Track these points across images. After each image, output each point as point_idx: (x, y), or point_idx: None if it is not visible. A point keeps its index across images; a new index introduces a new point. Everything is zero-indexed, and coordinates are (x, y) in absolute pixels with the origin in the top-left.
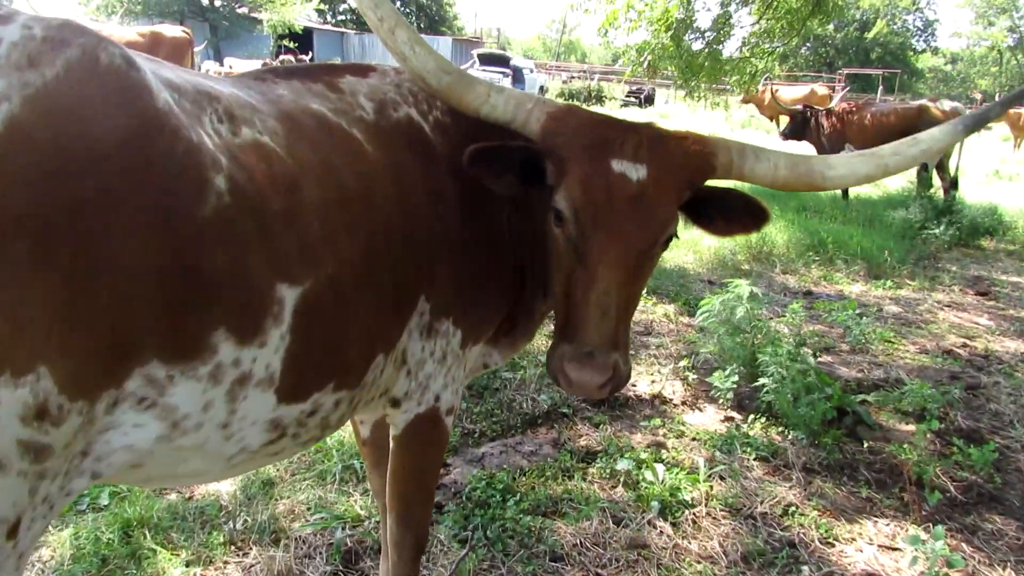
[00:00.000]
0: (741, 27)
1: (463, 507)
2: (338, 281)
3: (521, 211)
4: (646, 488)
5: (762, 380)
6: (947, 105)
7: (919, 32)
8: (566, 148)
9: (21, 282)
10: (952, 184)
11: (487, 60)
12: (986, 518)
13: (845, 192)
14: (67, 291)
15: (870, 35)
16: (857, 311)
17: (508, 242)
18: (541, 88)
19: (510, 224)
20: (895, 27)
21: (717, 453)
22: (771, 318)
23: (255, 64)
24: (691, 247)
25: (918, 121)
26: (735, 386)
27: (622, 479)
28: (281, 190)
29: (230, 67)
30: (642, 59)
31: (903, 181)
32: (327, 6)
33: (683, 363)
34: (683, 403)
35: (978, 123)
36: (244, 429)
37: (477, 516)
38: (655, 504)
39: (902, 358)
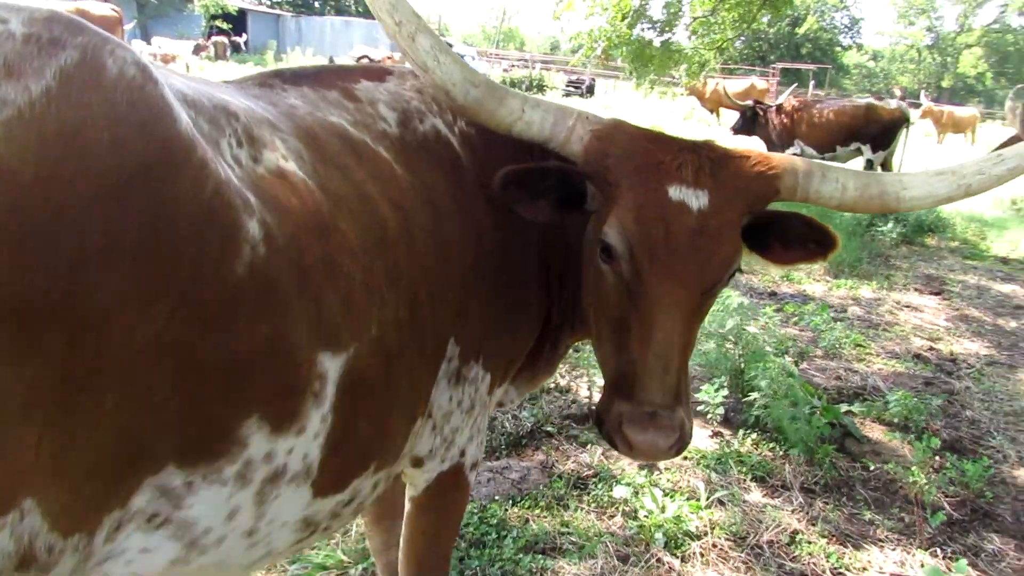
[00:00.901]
0: (692, 17)
1: (456, 547)
2: (383, 341)
3: (549, 234)
4: (646, 517)
5: (753, 395)
6: (892, 104)
7: (846, 29)
8: (616, 172)
9: None
10: None
11: None
12: (985, 537)
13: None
14: (60, 391)
15: (801, 31)
16: (846, 317)
17: (537, 269)
18: None
19: (538, 249)
20: (824, 24)
21: (713, 474)
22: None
23: (186, 45)
24: None
25: (865, 119)
26: (724, 400)
27: (620, 507)
28: (317, 233)
29: (159, 47)
30: (595, 45)
31: None
32: None
33: None
34: None
35: None
36: (272, 533)
37: (474, 558)
38: (659, 537)
39: (875, 363)
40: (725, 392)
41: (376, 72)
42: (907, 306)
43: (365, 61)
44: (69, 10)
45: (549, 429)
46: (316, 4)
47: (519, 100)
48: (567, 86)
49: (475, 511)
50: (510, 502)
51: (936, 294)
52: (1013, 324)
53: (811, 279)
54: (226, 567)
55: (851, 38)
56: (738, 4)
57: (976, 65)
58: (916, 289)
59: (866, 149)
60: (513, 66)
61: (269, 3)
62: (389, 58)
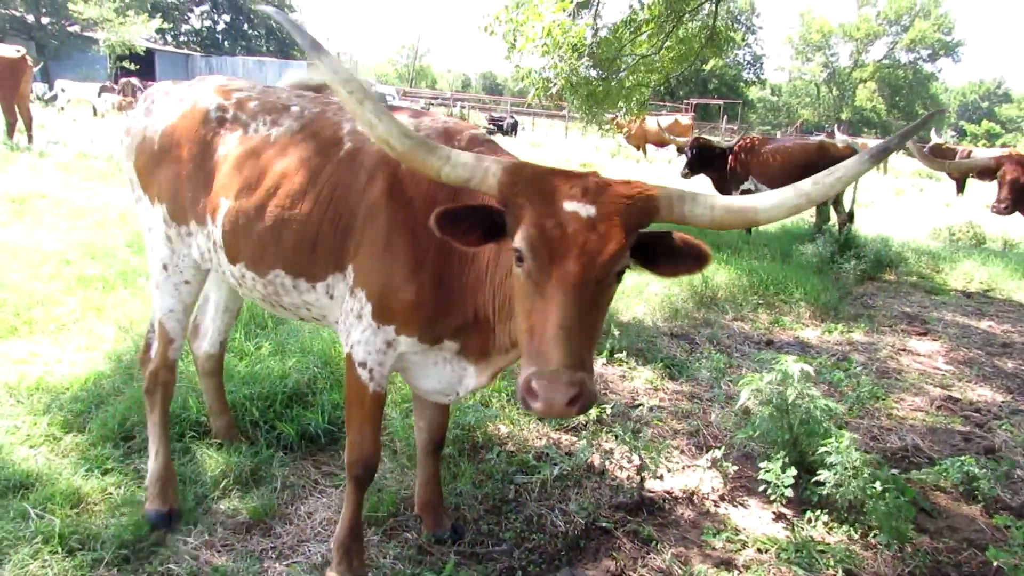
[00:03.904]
0: (636, 55)
1: None
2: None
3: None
4: None
5: (824, 474)
6: (840, 140)
7: (750, 65)
8: (523, 197)
9: None
10: (848, 217)
11: None
12: None
13: (749, 228)
14: None
15: (707, 67)
16: (856, 368)
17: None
18: None
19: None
20: (729, 60)
21: (799, 570)
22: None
23: (92, 87)
24: (638, 294)
25: (817, 156)
26: (793, 481)
27: None
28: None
29: (62, 90)
30: (550, 85)
31: (806, 213)
32: (170, 25)
33: (717, 452)
34: (721, 499)
35: (882, 154)
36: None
37: None
38: None
39: (904, 419)
40: (794, 472)
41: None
42: (903, 350)
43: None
44: None
45: (605, 524)
46: (226, 43)
47: (446, 149)
48: (489, 124)
49: None
50: None
51: (923, 334)
52: (1011, 364)
53: (801, 324)
54: None
55: (754, 74)
56: (680, 42)
57: (871, 98)
58: (903, 330)
59: None
60: (429, 104)
61: (175, 44)
62: None
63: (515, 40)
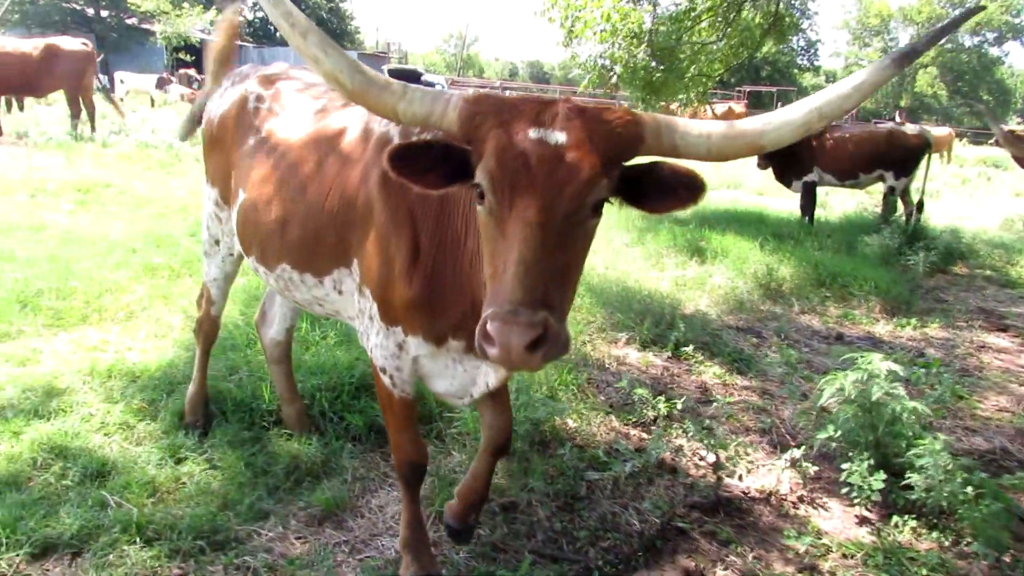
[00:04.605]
0: (696, 42)
1: None
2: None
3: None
4: None
5: (913, 477)
6: (911, 128)
7: (803, 51)
8: (485, 127)
9: None
10: (918, 208)
11: (397, 75)
12: None
13: (810, 217)
14: None
15: (760, 54)
16: (941, 368)
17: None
18: None
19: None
20: (782, 47)
21: None
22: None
23: (149, 78)
24: (699, 286)
25: (888, 145)
26: (882, 484)
27: None
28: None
29: (121, 81)
30: (610, 73)
31: (869, 202)
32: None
33: (797, 452)
34: (800, 500)
35: (906, 58)
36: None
37: None
38: None
39: (989, 420)
40: (883, 475)
41: None
42: (982, 346)
43: None
44: (38, 46)
45: (681, 525)
46: (278, 34)
47: (400, 84)
48: None
49: None
50: None
51: (1002, 331)
52: None
53: (871, 319)
54: None
55: (808, 60)
56: (742, 30)
57: (932, 84)
58: (980, 326)
59: (889, 175)
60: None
61: None
62: None
63: (572, 26)
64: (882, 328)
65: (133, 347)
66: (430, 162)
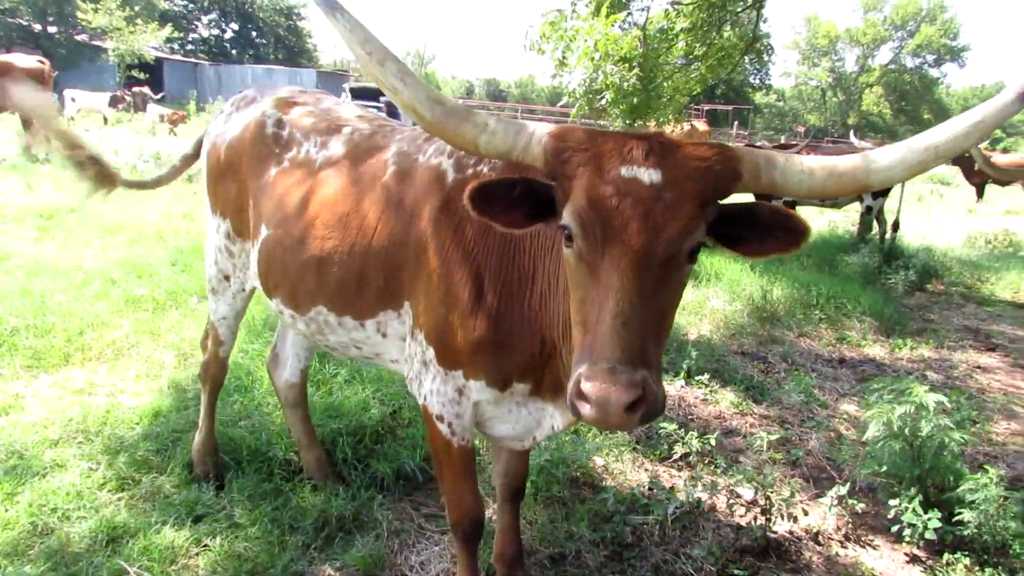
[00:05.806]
0: (676, 60)
1: None
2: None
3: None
4: None
5: (965, 514)
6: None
7: (755, 71)
8: (572, 164)
9: None
10: (894, 227)
11: (359, 94)
12: None
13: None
14: None
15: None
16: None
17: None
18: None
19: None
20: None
21: None
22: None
23: (102, 96)
24: (698, 309)
25: None
26: (939, 523)
27: None
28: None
29: (72, 99)
30: (599, 98)
31: (840, 221)
32: (179, 34)
33: (842, 489)
34: (846, 539)
35: None
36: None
37: None
38: None
39: (1005, 445)
40: (938, 513)
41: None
42: (977, 367)
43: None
44: None
45: (737, 573)
46: (234, 52)
47: (483, 115)
48: None
49: None
50: None
51: (991, 350)
52: None
53: (867, 340)
54: None
55: (759, 79)
56: (720, 50)
57: (877, 103)
58: (970, 346)
59: (867, 196)
60: None
61: (182, 52)
62: None
63: (564, 57)
64: (879, 350)
65: (125, 389)
66: (513, 200)
